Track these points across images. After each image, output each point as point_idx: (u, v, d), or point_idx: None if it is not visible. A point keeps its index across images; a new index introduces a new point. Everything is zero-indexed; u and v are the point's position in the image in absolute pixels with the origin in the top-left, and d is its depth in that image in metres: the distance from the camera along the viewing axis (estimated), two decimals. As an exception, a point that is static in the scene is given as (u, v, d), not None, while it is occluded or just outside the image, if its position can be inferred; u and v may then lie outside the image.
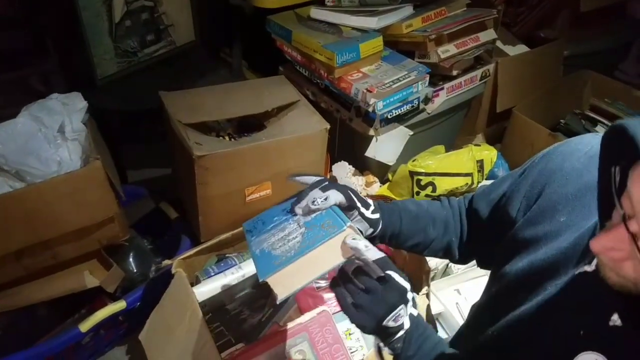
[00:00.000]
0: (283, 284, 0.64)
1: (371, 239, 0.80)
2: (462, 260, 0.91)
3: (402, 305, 0.65)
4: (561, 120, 2.00)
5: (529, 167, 0.77)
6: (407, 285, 0.66)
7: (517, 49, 1.97)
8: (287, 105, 1.48)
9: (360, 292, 0.65)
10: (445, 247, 0.88)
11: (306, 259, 0.65)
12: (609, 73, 2.31)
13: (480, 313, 0.81)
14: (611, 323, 0.55)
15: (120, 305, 1.20)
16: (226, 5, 1.90)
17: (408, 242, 0.86)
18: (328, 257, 0.66)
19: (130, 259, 1.38)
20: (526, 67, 1.96)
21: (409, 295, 0.67)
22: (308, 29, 1.68)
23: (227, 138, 1.44)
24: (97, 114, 1.32)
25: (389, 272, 0.65)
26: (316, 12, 1.73)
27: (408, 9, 1.75)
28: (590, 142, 0.70)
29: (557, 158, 0.72)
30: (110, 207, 1.20)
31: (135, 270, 1.37)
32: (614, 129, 0.49)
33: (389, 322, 0.65)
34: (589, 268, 0.59)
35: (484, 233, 0.83)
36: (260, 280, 0.66)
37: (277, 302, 0.64)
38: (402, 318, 0.66)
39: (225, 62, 2.01)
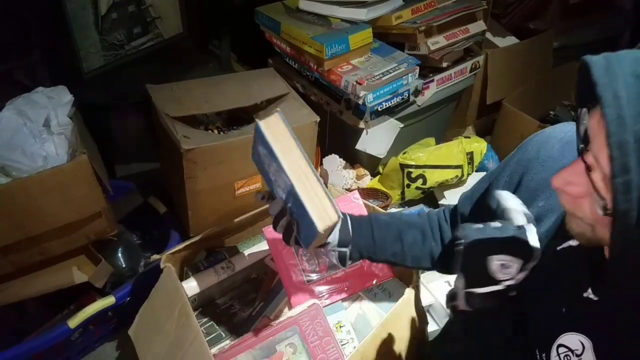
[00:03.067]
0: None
1: (345, 259, 0.81)
2: (448, 269, 0.89)
3: None
4: (551, 112, 2.00)
5: (507, 159, 0.78)
6: None
7: (507, 41, 1.97)
8: (277, 97, 1.47)
9: None
10: (428, 254, 0.87)
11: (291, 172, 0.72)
12: (599, 64, 2.32)
13: None
14: (585, 295, 0.56)
15: (109, 300, 1.19)
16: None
17: (386, 252, 0.85)
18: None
19: (119, 254, 1.36)
20: (516, 59, 1.96)
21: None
22: (297, 20, 1.67)
23: (215, 131, 1.43)
24: (84, 107, 1.30)
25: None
26: (305, 4, 1.72)
27: (398, 1, 1.74)
28: (564, 130, 0.72)
29: (533, 147, 0.73)
30: (97, 202, 1.18)
31: (124, 266, 1.36)
32: (581, 66, 0.50)
33: None
34: (573, 242, 0.59)
35: None
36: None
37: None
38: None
39: (213, 55, 1.99)
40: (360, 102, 1.55)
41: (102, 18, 1.58)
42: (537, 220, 0.65)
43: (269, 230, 1.12)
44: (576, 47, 2.15)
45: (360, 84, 1.52)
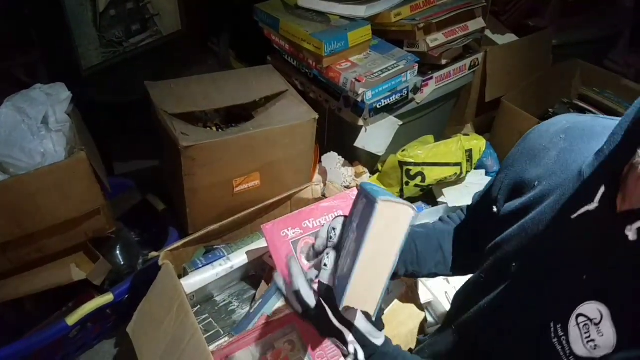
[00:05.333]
0: (364, 299, 0.60)
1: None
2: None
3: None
4: (550, 109, 2.00)
5: (511, 152, 0.78)
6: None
7: (506, 38, 1.97)
8: (276, 95, 1.47)
9: None
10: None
11: (363, 261, 0.59)
12: (599, 62, 2.32)
13: (472, 289, 0.81)
14: (610, 264, 0.55)
15: (107, 298, 1.19)
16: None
17: (429, 263, 0.85)
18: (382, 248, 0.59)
19: (117, 252, 1.36)
20: (515, 56, 1.96)
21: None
22: (296, 17, 1.66)
23: (214, 128, 1.43)
24: (82, 105, 1.30)
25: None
26: (304, 1, 1.71)
27: (396, -3, 1.73)
28: (565, 119, 0.73)
29: (535, 136, 0.74)
30: (96, 199, 1.18)
31: (122, 263, 1.36)
32: None
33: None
34: (590, 207, 0.58)
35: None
36: (341, 309, 0.62)
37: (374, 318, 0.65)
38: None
39: (212, 52, 1.99)
40: (359, 99, 1.55)
41: (101, 15, 1.57)
42: (542, 198, 0.66)
43: (268, 228, 1.12)
44: (576, 44, 2.14)
45: (359, 81, 1.52)
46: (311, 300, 0.70)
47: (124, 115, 1.71)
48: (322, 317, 0.69)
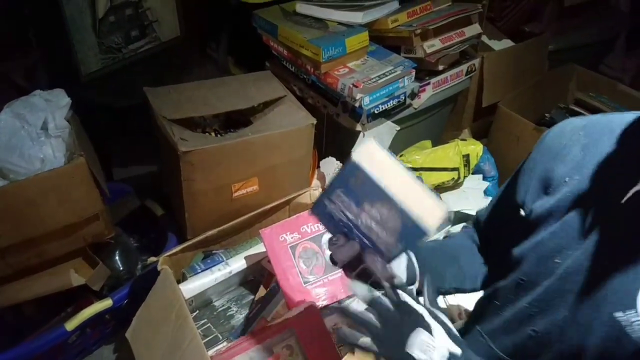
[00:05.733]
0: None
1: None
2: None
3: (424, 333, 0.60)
4: (546, 114, 2.01)
5: (530, 157, 0.80)
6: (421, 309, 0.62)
7: (503, 44, 1.99)
8: (274, 100, 1.48)
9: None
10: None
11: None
12: (594, 67, 2.33)
13: (504, 295, 0.78)
14: None
15: (106, 303, 1.20)
16: (211, 0, 1.89)
17: (446, 277, 0.85)
18: None
19: (116, 257, 1.37)
20: (511, 62, 1.97)
21: (429, 320, 0.62)
22: (294, 24, 1.68)
23: (212, 134, 1.44)
24: (82, 110, 1.31)
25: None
26: (302, 7, 1.73)
27: (394, 4, 1.75)
28: (577, 119, 0.76)
29: (553, 137, 0.76)
30: (95, 205, 1.19)
31: (121, 268, 1.36)
32: None
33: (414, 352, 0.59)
34: (639, 187, 0.60)
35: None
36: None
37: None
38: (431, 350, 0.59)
39: (211, 58, 2.00)
40: (357, 104, 1.56)
41: (100, 21, 1.58)
42: (578, 191, 0.68)
43: (266, 232, 1.13)
44: (572, 49, 2.16)
45: (356, 86, 1.53)
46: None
47: (123, 118, 1.72)
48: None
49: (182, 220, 1.35)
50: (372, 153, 0.64)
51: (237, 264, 1.18)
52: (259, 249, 1.23)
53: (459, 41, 1.75)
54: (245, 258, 1.20)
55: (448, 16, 1.71)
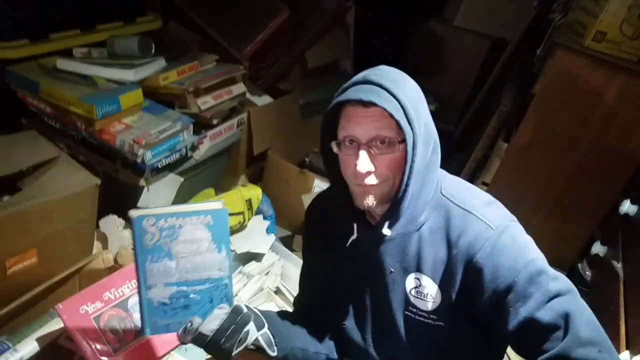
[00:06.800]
0: None
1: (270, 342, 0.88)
2: None
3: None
4: (306, 158, 2.36)
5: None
6: None
7: (264, 100, 2.26)
8: (46, 162, 1.35)
9: None
10: None
11: None
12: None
13: None
14: None
15: None
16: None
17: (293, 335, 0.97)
18: None
19: None
20: (273, 115, 2.25)
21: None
22: (57, 80, 1.58)
23: (-30, 207, 1.22)
24: None
25: None
26: (64, 63, 1.64)
27: (161, 62, 1.82)
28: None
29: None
30: None
31: None
32: None
33: None
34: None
35: None
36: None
37: None
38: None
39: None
40: (139, 160, 1.56)
41: None
42: None
43: (64, 307, 1.03)
44: (318, 102, 2.58)
45: (138, 142, 1.53)
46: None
47: None
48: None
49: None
50: (145, 209, 0.76)
51: (28, 347, 1.03)
52: (51, 326, 1.10)
53: (228, 98, 1.93)
54: (37, 340, 1.06)
55: (217, 76, 1.87)
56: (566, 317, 0.74)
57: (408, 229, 0.85)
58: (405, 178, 0.78)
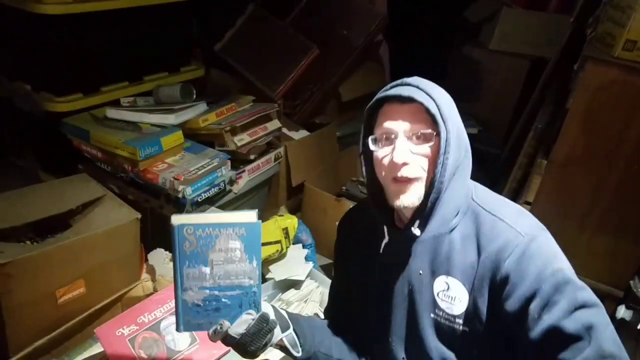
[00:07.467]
0: None
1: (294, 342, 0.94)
2: None
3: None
4: (342, 187, 2.40)
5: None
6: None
7: (300, 134, 2.35)
8: (93, 201, 1.49)
9: None
10: None
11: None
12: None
13: None
14: None
15: None
16: (11, 110, 1.84)
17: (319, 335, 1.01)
18: None
19: None
20: (309, 148, 2.34)
21: None
22: (106, 127, 1.75)
23: (29, 242, 1.37)
24: None
25: None
26: (112, 112, 1.82)
27: (202, 106, 1.97)
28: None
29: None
30: None
31: None
32: None
33: None
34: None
35: None
36: None
37: None
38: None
39: (15, 166, 1.90)
40: (180, 195, 1.67)
41: None
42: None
43: (102, 331, 1.12)
44: (353, 134, 2.64)
45: (177, 179, 1.65)
46: None
47: None
48: None
49: (1, 336, 1.22)
50: (185, 216, 0.83)
51: (74, 369, 1.12)
52: (94, 350, 1.19)
53: (263, 134, 2.03)
54: (81, 362, 1.15)
55: (251, 115, 1.99)
56: (590, 329, 0.73)
57: (440, 231, 0.86)
58: (438, 175, 0.81)
